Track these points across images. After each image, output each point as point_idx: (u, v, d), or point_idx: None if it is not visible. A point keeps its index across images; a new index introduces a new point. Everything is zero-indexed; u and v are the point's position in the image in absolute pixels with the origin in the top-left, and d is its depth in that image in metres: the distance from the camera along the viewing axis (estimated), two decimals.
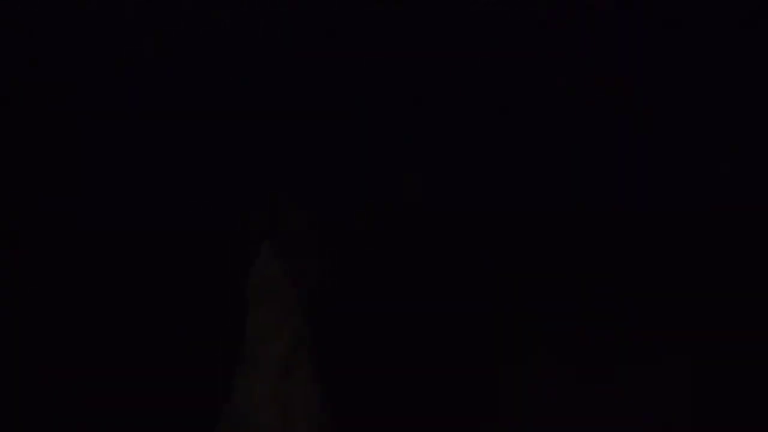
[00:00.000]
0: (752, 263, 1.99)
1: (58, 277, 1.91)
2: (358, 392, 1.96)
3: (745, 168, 2.01)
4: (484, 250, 2.02)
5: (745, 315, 1.96)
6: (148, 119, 2.01)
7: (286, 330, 1.75)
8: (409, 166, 2.00)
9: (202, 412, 1.89)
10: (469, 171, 2.05)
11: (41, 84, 1.88)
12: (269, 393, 1.73)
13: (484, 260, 2.01)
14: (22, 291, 1.89)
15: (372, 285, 2.02)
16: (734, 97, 2.02)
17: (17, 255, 1.90)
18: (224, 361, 1.83)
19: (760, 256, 1.99)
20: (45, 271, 1.93)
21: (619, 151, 2.02)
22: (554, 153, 2.04)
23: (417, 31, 2.01)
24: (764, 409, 1.90)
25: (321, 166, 2.04)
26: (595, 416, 1.93)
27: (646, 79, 2.03)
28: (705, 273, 2.00)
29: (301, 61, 2.01)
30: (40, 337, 1.91)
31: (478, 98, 2.04)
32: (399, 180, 1.98)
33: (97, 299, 1.95)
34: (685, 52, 2.03)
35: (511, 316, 1.97)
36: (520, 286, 2.00)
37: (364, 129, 2.01)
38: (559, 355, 1.93)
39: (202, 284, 2.02)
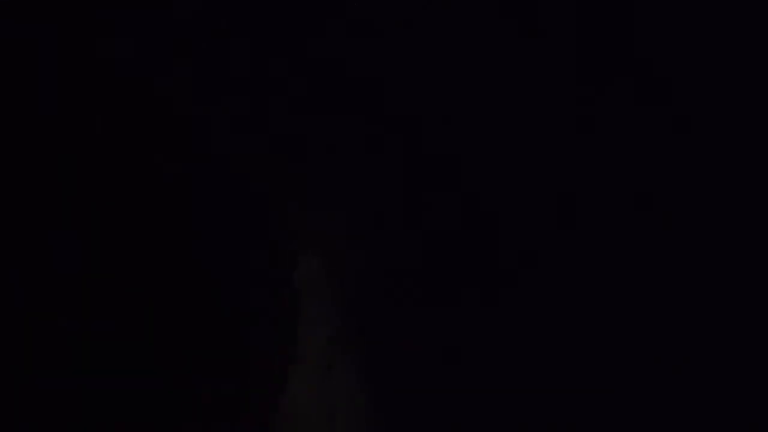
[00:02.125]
0: None
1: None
2: (402, 390, 1.97)
3: None
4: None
5: None
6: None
7: (327, 326, 1.76)
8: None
9: (256, 406, 1.89)
10: None
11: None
12: (312, 389, 1.74)
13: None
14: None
15: (399, 282, 2.03)
16: None
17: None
18: (278, 353, 1.85)
19: None
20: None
21: None
22: None
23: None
24: None
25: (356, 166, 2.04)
26: None
27: None
28: None
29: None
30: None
31: None
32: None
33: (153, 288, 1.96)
34: None
35: None
36: None
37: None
38: None
39: (257, 277, 2.03)
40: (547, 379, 2.01)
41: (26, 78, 1.99)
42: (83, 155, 1.99)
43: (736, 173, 2.03)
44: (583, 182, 2.04)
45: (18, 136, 1.99)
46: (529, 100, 2.06)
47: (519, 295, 2.02)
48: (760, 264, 2.00)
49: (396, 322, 2.03)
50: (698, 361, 1.98)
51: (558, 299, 2.02)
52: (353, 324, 1.80)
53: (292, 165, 2.04)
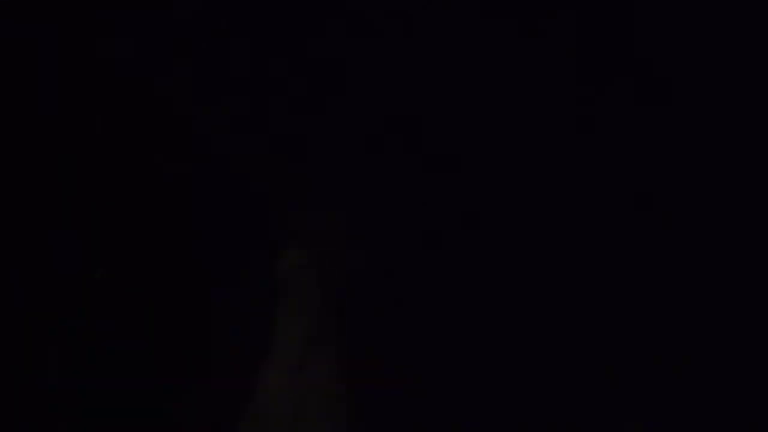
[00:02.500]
0: None
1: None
2: (379, 392, 1.96)
3: None
4: None
5: None
6: None
7: (304, 323, 1.75)
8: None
9: (225, 401, 1.89)
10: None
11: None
12: (283, 386, 1.73)
13: None
14: None
15: (397, 283, 2.02)
16: None
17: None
18: (250, 349, 1.84)
19: None
20: None
21: None
22: None
23: None
24: None
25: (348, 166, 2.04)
26: None
27: None
28: None
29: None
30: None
31: None
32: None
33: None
34: None
35: None
36: None
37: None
38: None
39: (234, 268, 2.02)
40: (543, 388, 2.01)
41: (26, 78, 1.99)
42: (83, 155, 1.99)
43: (735, 174, 2.03)
44: (583, 183, 2.04)
45: (18, 136, 1.99)
46: (530, 100, 2.06)
47: (518, 296, 2.02)
48: (759, 265, 2.00)
49: (381, 327, 2.03)
50: (698, 361, 1.98)
51: (558, 302, 2.02)
52: (334, 324, 1.79)
53: (292, 165, 2.03)
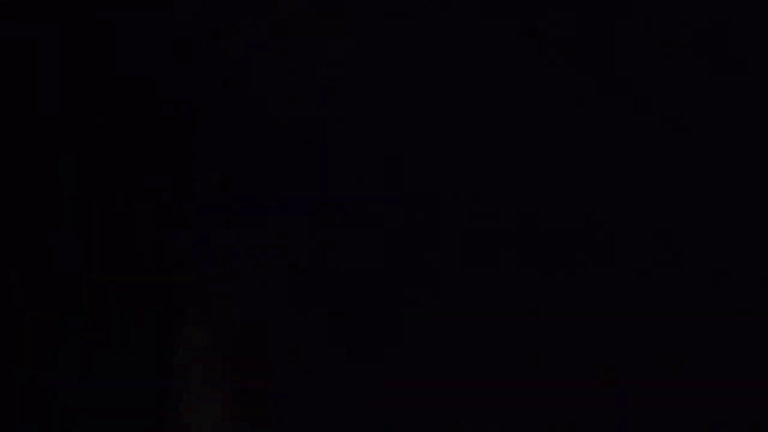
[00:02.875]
0: None
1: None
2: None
3: None
4: None
5: None
6: None
7: (216, 403, 1.63)
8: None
9: None
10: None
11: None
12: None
13: None
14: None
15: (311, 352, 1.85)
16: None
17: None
18: None
19: None
20: None
21: None
22: None
23: None
24: None
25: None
26: None
27: None
28: None
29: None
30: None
31: None
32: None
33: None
34: None
35: None
36: None
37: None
38: None
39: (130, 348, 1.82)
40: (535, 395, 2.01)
41: (26, 78, 1.99)
42: (83, 155, 1.98)
43: (735, 176, 2.03)
44: (583, 183, 2.05)
45: (18, 136, 1.99)
46: (530, 103, 2.06)
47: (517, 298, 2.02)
48: (759, 265, 2.00)
49: (292, 396, 1.85)
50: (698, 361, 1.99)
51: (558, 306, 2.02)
52: (245, 411, 1.68)
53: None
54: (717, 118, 2.02)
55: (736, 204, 2.01)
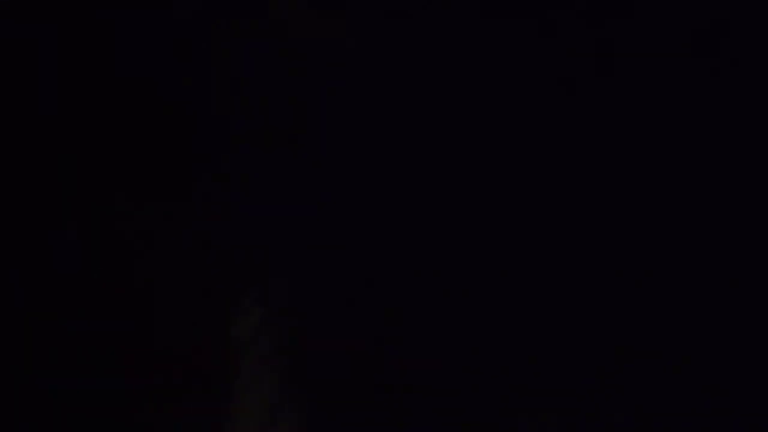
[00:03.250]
0: None
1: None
2: None
3: None
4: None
5: None
6: None
7: (265, 390, 1.67)
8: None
9: None
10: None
11: None
12: None
13: None
14: None
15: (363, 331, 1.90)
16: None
17: None
18: (211, 412, 1.73)
19: None
20: None
21: None
22: None
23: None
24: None
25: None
26: None
27: None
28: None
29: None
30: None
31: None
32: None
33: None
34: None
35: None
36: None
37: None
38: None
39: (188, 331, 1.87)
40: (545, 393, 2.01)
41: (26, 78, 1.99)
42: (83, 155, 1.98)
43: (735, 176, 2.03)
44: (582, 185, 2.05)
45: (18, 136, 1.99)
46: (530, 104, 2.06)
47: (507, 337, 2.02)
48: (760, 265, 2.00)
49: (345, 389, 1.90)
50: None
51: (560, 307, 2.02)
52: (296, 389, 1.70)
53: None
54: (717, 118, 2.02)
55: (736, 204, 2.01)
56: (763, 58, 2.01)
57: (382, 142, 2.02)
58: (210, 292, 1.84)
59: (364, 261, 1.88)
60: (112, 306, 1.88)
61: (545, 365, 1.98)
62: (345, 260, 1.88)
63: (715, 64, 2.02)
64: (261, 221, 1.94)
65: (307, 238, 1.89)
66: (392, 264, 1.97)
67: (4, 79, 1.97)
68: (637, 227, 2.02)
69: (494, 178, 2.03)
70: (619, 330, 1.98)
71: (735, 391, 1.95)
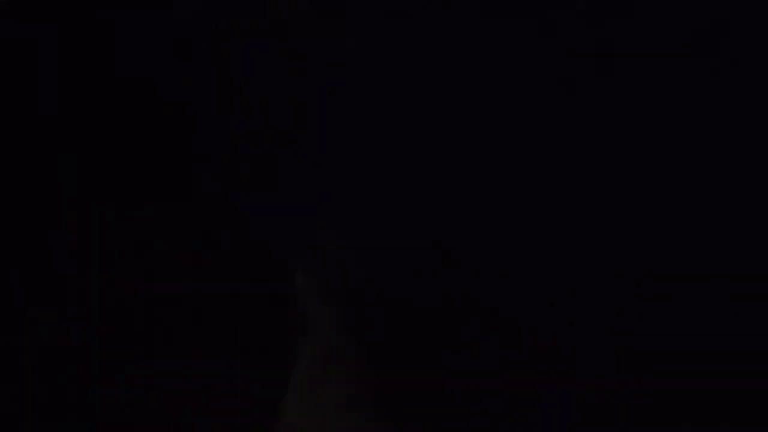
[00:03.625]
0: None
1: None
2: (400, 406, 1.91)
3: None
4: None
5: None
6: None
7: (316, 343, 1.72)
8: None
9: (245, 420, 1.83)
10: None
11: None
12: (302, 408, 1.70)
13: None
14: None
15: (405, 296, 1.96)
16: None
17: None
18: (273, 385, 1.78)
19: None
20: None
21: None
22: None
23: None
24: None
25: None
26: None
27: None
28: None
29: None
30: None
31: None
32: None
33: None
34: None
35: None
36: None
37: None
38: None
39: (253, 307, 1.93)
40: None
41: (26, 78, 1.99)
42: (83, 155, 1.98)
43: (735, 176, 2.03)
44: (581, 185, 2.05)
45: (18, 136, 1.99)
46: (530, 104, 2.06)
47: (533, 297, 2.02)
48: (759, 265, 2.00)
49: (393, 340, 1.98)
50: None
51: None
52: (345, 342, 1.76)
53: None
54: (717, 118, 2.02)
55: (737, 204, 2.01)
56: (763, 58, 2.01)
57: (383, 142, 2.02)
58: (273, 288, 1.89)
59: (364, 261, 1.89)
60: (112, 306, 1.89)
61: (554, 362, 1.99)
62: (345, 260, 1.88)
63: (715, 64, 2.02)
64: (261, 221, 1.95)
65: (307, 238, 1.90)
66: (392, 264, 1.98)
67: (3, 79, 1.97)
68: (637, 227, 2.02)
69: (494, 178, 2.03)
70: (620, 330, 1.99)
71: (735, 391, 1.95)
